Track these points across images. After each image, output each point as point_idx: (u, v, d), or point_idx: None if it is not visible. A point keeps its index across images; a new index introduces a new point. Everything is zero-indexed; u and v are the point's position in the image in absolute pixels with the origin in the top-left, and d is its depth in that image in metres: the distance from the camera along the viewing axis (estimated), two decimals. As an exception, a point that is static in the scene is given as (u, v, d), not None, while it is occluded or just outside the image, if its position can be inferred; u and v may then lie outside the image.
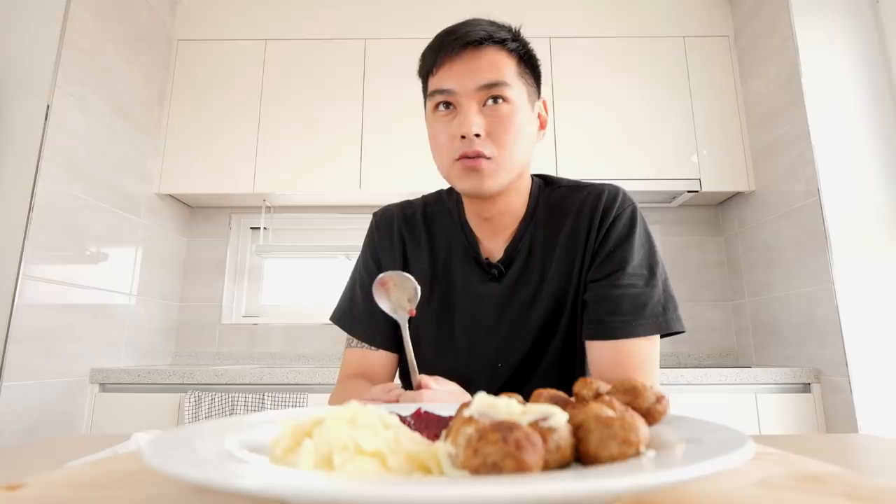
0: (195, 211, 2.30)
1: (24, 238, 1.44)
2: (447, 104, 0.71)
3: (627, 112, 2.07)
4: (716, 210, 2.27)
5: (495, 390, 0.74)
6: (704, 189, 2.00)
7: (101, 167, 1.74)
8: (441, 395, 0.57)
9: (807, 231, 1.70)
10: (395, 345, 0.82)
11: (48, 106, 1.52)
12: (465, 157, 0.70)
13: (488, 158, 0.69)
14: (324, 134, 2.07)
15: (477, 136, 0.68)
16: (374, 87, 2.11)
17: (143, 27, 1.98)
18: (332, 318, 0.86)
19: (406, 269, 0.82)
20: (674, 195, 2.10)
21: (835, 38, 1.76)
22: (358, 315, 0.82)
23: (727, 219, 2.21)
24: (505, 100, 0.69)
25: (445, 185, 0.85)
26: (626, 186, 2.26)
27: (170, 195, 2.12)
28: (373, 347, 0.81)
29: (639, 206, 0.78)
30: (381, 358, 0.81)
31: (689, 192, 2.03)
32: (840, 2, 1.78)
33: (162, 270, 2.10)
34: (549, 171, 1.97)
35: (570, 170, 1.99)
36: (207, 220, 2.30)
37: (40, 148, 1.49)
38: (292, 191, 2.06)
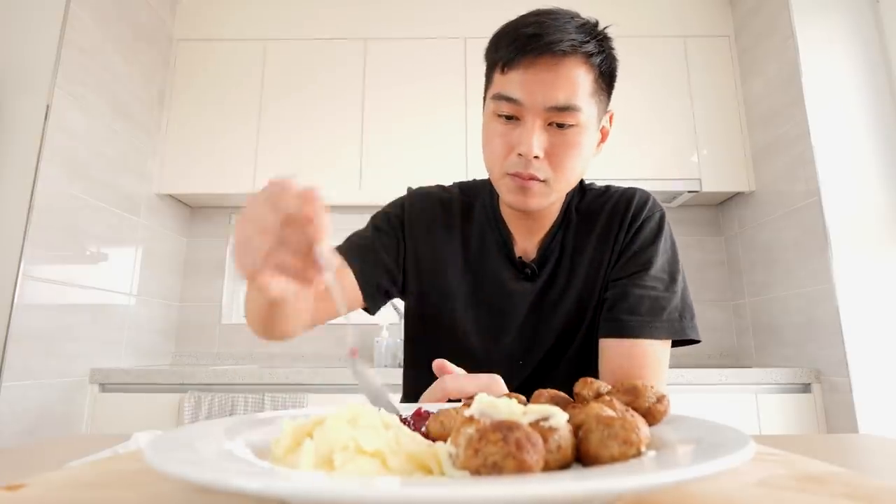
0: (195, 211, 2.30)
1: (24, 238, 1.44)
2: (509, 115, 0.66)
3: (627, 112, 2.07)
4: (716, 210, 2.27)
5: (514, 388, 0.72)
6: (704, 189, 2.00)
7: (100, 167, 1.74)
8: (462, 381, 0.53)
9: (807, 231, 1.70)
10: (371, 294, 0.75)
11: (48, 106, 1.52)
12: (518, 175, 0.66)
13: (542, 181, 0.66)
14: (324, 134, 2.07)
15: (536, 157, 0.64)
16: (374, 87, 2.11)
17: (142, 27, 1.98)
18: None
19: (435, 252, 0.78)
20: (674, 195, 2.10)
21: (835, 38, 1.76)
22: (352, 248, 0.77)
23: (727, 219, 2.21)
24: (573, 124, 0.65)
25: (448, 180, 0.83)
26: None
27: (170, 195, 2.12)
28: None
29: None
30: (350, 282, 0.73)
31: (689, 192, 2.03)
32: (840, 2, 1.78)
33: (162, 270, 2.09)
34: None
35: (570, 170, 1.98)
36: (207, 220, 2.29)
37: (40, 148, 1.49)
38: (292, 191, 2.05)
